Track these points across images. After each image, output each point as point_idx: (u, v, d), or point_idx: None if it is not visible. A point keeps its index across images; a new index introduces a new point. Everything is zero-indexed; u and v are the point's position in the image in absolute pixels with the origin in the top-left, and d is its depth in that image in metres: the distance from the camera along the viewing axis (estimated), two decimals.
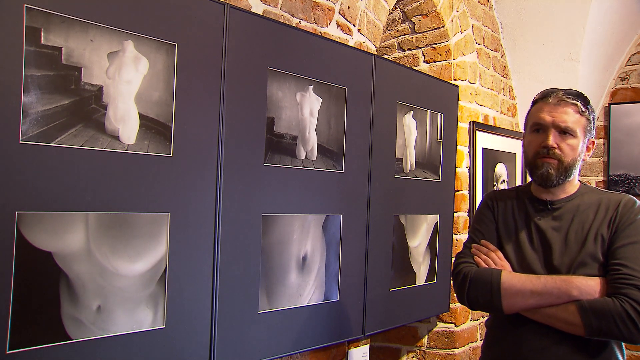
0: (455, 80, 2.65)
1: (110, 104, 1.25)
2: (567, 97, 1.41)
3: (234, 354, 1.54)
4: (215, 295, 1.48)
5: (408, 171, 2.26)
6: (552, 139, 1.40)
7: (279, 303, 1.67)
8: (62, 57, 1.17)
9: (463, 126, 2.70)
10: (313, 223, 1.79)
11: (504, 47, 3.26)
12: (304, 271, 1.75)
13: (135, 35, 1.29)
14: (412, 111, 2.27)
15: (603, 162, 3.59)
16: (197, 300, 1.44)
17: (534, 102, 1.49)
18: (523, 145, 1.54)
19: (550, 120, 1.41)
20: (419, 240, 2.35)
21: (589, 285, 1.31)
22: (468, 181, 2.76)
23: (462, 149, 2.70)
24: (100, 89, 1.23)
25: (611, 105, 3.55)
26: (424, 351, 2.71)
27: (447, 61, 2.67)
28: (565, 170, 1.41)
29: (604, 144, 3.60)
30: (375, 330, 2.10)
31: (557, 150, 1.40)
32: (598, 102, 3.57)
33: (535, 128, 1.45)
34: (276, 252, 1.66)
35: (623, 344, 1.40)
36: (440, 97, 2.46)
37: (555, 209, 1.45)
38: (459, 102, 2.63)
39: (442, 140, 2.48)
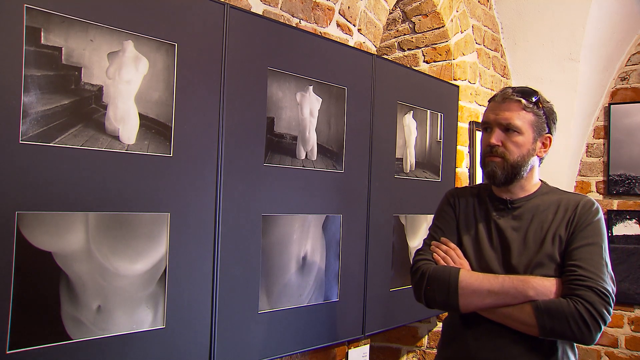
0: (455, 80, 2.65)
1: (110, 104, 1.25)
2: (512, 95, 1.40)
3: (234, 354, 1.54)
4: (215, 295, 1.48)
5: (408, 171, 2.26)
6: (495, 137, 1.40)
7: (279, 303, 1.67)
8: (62, 57, 1.17)
9: (463, 126, 2.70)
10: (313, 223, 1.79)
11: (504, 47, 3.26)
12: (304, 271, 1.75)
13: (135, 35, 1.29)
14: (412, 111, 2.27)
15: (603, 162, 3.59)
16: (197, 300, 1.44)
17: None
18: None
19: (493, 118, 1.41)
20: (419, 240, 2.35)
21: (545, 286, 1.31)
22: (468, 181, 2.76)
23: (462, 149, 2.70)
24: (100, 89, 1.23)
25: (611, 105, 3.55)
26: (424, 351, 2.71)
27: (447, 61, 2.67)
28: (512, 168, 1.39)
29: (604, 144, 3.60)
30: (375, 331, 2.10)
31: (500, 148, 1.39)
32: (598, 102, 3.56)
33: (484, 127, 1.46)
34: (276, 252, 1.66)
35: (575, 344, 1.40)
36: (440, 97, 2.46)
37: (515, 208, 1.44)
38: (459, 102, 2.63)
39: (442, 140, 2.48)
